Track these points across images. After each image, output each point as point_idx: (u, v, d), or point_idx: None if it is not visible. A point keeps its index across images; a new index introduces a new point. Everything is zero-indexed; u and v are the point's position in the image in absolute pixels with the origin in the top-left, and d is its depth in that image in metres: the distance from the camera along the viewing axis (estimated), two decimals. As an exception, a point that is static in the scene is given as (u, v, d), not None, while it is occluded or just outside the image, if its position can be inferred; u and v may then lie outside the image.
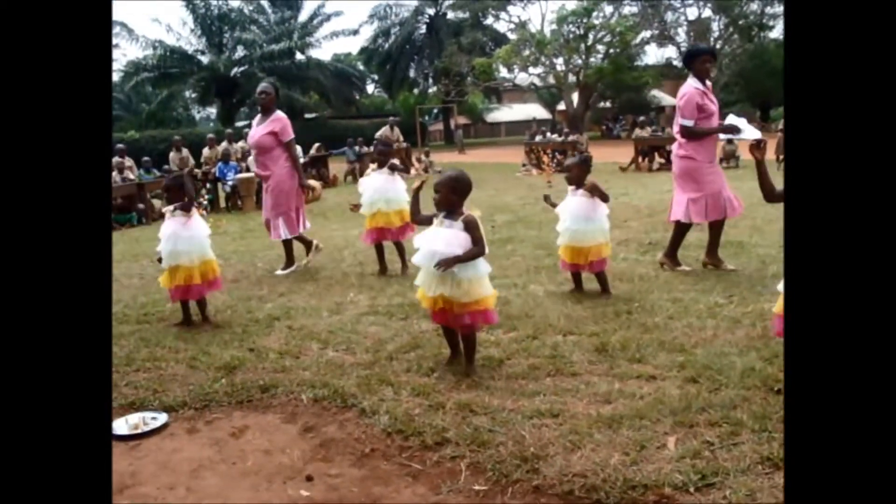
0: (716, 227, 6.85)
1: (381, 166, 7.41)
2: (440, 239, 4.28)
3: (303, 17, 46.56)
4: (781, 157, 17.93)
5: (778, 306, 3.62)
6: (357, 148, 22.48)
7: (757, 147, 3.98)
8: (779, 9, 43.59)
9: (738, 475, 2.97)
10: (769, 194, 3.89)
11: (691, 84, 6.64)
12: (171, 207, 5.80)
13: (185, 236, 5.65)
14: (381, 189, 7.34)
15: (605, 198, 5.88)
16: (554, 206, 6.21)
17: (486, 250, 4.35)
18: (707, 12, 45.80)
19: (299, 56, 44.18)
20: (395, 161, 7.62)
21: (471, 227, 4.28)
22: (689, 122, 6.58)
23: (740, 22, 43.91)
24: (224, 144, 17.08)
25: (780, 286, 3.62)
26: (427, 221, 4.49)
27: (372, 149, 20.47)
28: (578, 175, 6.00)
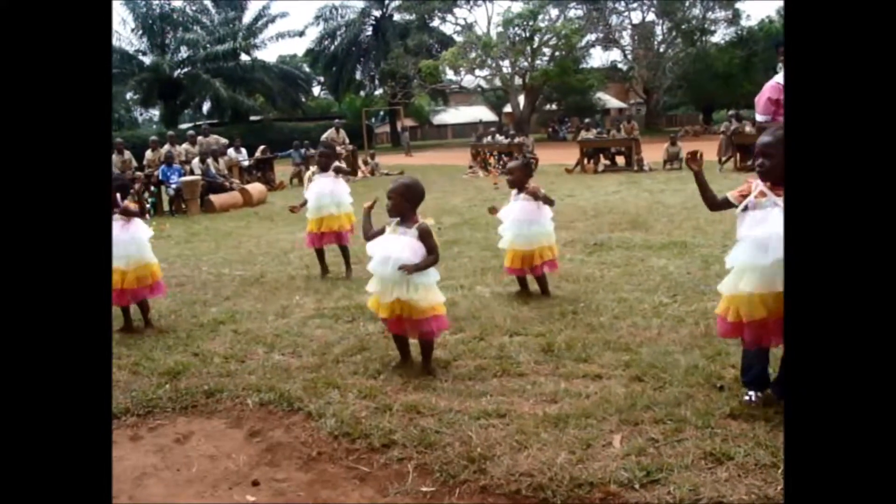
0: None
1: (323, 169, 7.36)
2: (395, 246, 4.30)
3: (247, 17, 46.18)
4: (723, 158, 18.29)
5: (721, 307, 3.66)
6: (303, 150, 22.33)
7: (693, 158, 3.98)
8: (720, 14, 44.58)
9: (681, 471, 3.02)
10: (712, 205, 3.91)
11: (774, 78, 5.72)
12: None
13: (122, 240, 5.49)
14: (328, 193, 7.29)
15: (548, 201, 5.93)
16: (495, 210, 6.24)
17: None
18: (651, 16, 46.70)
19: (244, 57, 43.78)
20: (340, 164, 7.58)
21: (425, 235, 4.32)
22: (762, 118, 5.73)
23: (683, 26, 44.78)
24: (167, 147, 16.80)
25: (722, 286, 3.67)
26: (379, 235, 4.49)
27: (317, 151, 20.45)
28: (520, 178, 6.04)
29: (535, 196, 5.90)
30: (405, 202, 4.40)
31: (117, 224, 5.54)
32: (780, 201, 3.35)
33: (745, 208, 3.55)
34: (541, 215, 5.97)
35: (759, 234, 3.41)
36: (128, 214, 5.59)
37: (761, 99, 5.72)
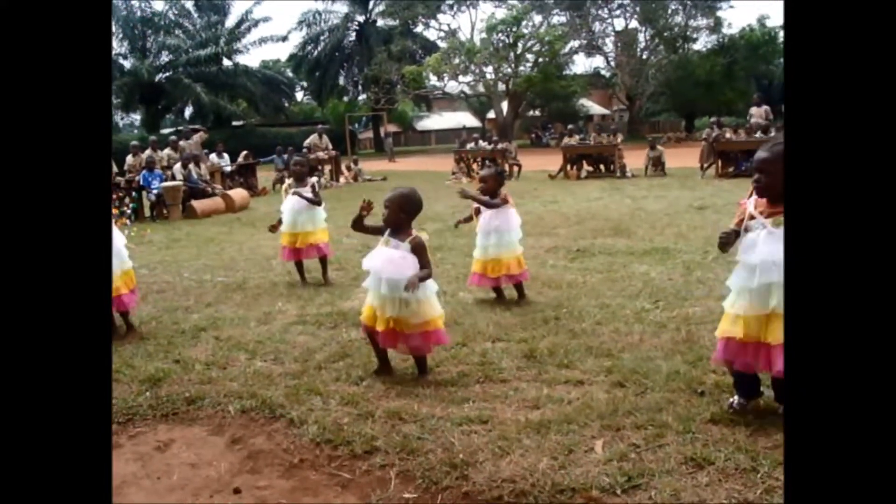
0: None
1: (298, 180, 7.37)
2: (387, 261, 4.31)
3: (230, 22, 46.00)
4: (705, 164, 18.39)
5: (722, 330, 3.59)
6: (286, 156, 22.26)
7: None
8: (702, 21, 44.90)
9: (662, 476, 3.03)
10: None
11: None
12: None
13: None
14: (304, 209, 7.31)
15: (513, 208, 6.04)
16: (468, 197, 6.20)
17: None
18: (633, 23, 46.96)
19: (226, 62, 43.66)
20: (308, 193, 7.44)
21: (418, 249, 4.32)
22: None
23: (665, 34, 45.09)
24: (148, 152, 16.72)
25: (727, 304, 3.60)
26: (373, 231, 4.48)
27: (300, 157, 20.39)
28: (493, 186, 6.08)
29: (505, 204, 5.99)
30: (402, 213, 4.40)
31: None
32: (769, 223, 3.36)
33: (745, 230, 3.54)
34: (510, 226, 6.02)
35: (747, 258, 3.43)
36: None
37: None
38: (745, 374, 3.59)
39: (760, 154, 3.48)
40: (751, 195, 3.54)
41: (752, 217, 3.46)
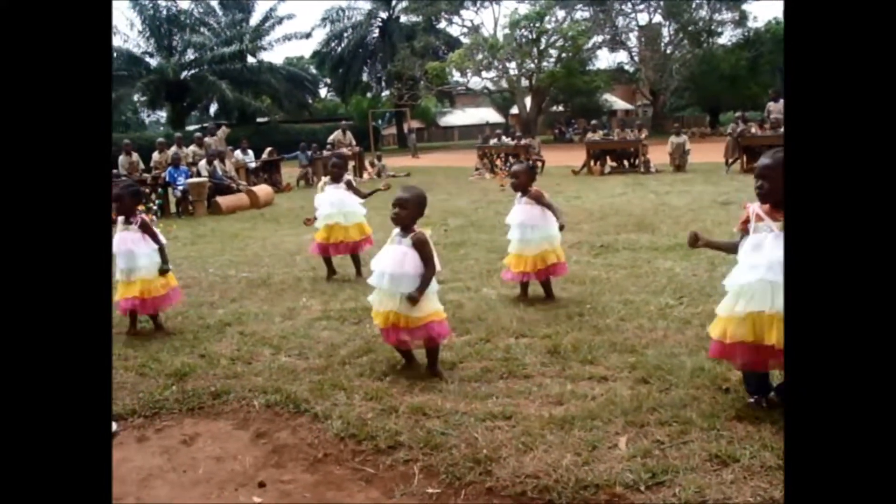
0: None
1: (335, 179, 7.39)
2: (390, 259, 4.37)
3: (254, 19, 46.14)
4: (730, 160, 18.25)
5: (715, 329, 3.64)
6: (310, 153, 22.34)
7: (694, 242, 3.83)
8: (727, 15, 44.49)
9: (687, 473, 3.02)
10: (734, 250, 3.82)
11: None
12: (122, 219, 5.65)
13: (145, 252, 5.55)
14: (338, 203, 7.31)
15: (549, 207, 5.92)
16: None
17: (438, 266, 4.44)
18: (657, 18, 46.65)
19: (251, 59, 43.78)
20: (351, 178, 7.61)
21: (420, 245, 4.34)
22: None
23: (690, 28, 44.71)
24: (174, 148, 16.85)
25: (718, 308, 3.65)
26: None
27: (324, 153, 20.42)
28: (524, 182, 6.03)
29: (538, 201, 5.90)
30: (418, 213, 4.48)
31: (138, 235, 5.56)
32: (777, 226, 3.39)
33: (748, 232, 3.56)
34: (545, 220, 5.94)
35: (752, 259, 3.44)
36: (147, 231, 5.60)
37: None
38: (753, 373, 3.59)
39: (762, 160, 3.53)
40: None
41: (759, 219, 3.48)
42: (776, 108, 18.80)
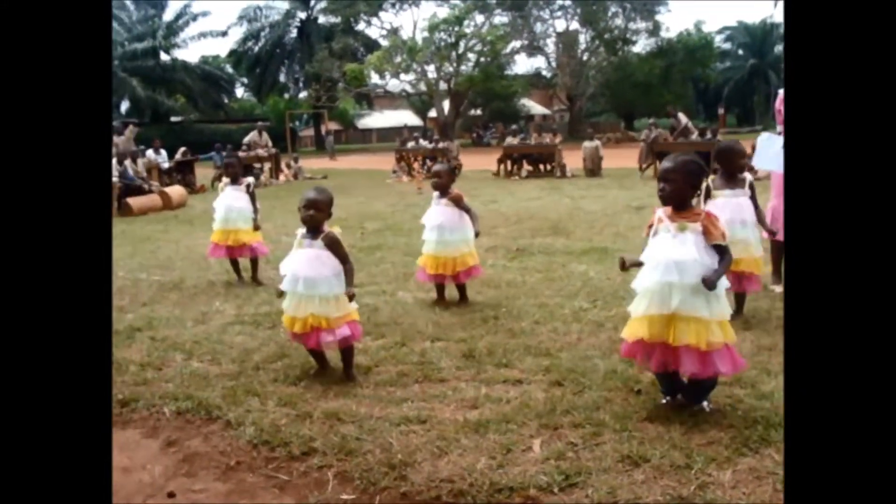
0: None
1: (232, 179, 7.32)
2: (305, 261, 4.31)
3: (168, 15, 45.23)
4: (644, 165, 18.69)
5: (626, 330, 3.72)
6: (225, 153, 21.98)
7: (623, 266, 3.84)
8: (641, 25, 45.68)
9: (599, 474, 3.07)
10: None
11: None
12: None
13: None
14: (237, 207, 7.25)
15: (468, 212, 5.96)
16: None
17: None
18: (575, 25, 47.53)
19: (164, 57, 42.85)
20: (251, 180, 7.52)
21: (333, 245, 4.31)
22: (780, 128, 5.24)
23: (606, 36, 45.72)
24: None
25: (631, 308, 3.72)
26: None
27: (240, 154, 20.11)
28: (446, 182, 6.05)
29: (457, 204, 5.93)
30: (329, 215, 4.42)
31: None
32: (674, 227, 3.50)
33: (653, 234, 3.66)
34: (463, 222, 5.98)
35: (653, 261, 3.56)
36: None
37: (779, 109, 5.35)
38: (663, 374, 3.68)
39: (665, 163, 3.65)
40: None
41: (661, 221, 3.60)
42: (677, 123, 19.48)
